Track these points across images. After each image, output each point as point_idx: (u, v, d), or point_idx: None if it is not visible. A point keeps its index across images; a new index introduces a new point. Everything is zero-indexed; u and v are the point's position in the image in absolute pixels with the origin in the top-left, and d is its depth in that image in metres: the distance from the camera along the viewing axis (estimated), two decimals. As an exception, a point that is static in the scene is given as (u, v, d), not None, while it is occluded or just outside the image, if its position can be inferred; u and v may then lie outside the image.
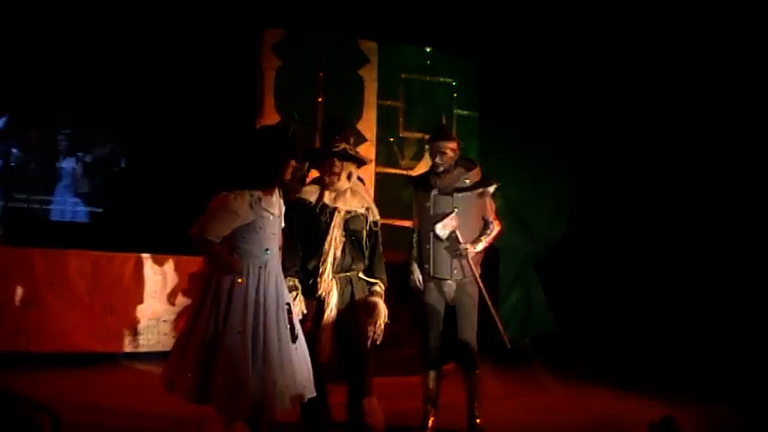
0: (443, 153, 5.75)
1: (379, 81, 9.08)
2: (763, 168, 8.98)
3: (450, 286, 5.78)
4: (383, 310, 5.37)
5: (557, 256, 10.46)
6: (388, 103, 9.11)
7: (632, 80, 9.92)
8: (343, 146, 5.31)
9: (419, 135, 9.15)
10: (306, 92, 8.76)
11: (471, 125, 9.31)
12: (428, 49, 9.42)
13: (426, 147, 8.84)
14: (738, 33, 8.72)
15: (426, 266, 5.82)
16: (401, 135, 9.13)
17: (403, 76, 9.23)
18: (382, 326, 5.36)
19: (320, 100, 8.76)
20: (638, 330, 10.15)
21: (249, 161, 4.65)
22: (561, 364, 9.32)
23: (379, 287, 5.41)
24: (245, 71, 8.79)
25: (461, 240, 5.68)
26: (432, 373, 5.79)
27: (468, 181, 5.77)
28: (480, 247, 5.77)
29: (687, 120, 9.70)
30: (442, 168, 5.78)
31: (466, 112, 9.32)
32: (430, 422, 5.75)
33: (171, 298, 8.15)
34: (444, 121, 6.17)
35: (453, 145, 5.80)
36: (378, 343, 5.40)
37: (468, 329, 5.76)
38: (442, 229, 5.69)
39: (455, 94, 9.40)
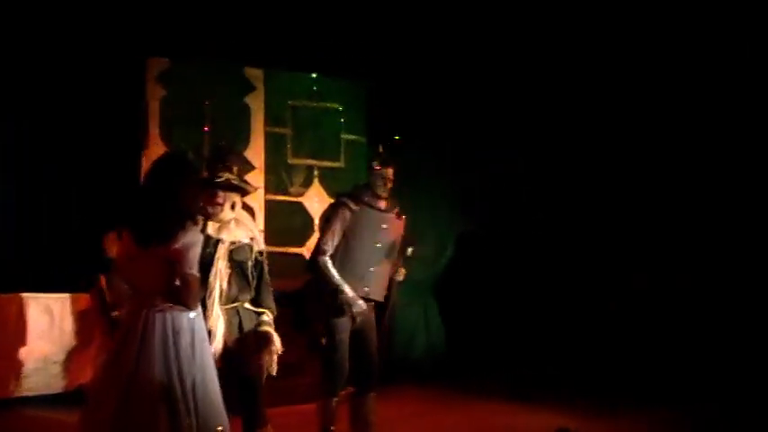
0: (391, 179, 5.92)
1: (267, 108, 9.06)
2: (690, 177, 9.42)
3: (365, 309, 5.77)
4: (275, 338, 5.34)
5: (451, 277, 10.67)
6: (276, 129, 9.09)
7: (516, 104, 10.22)
8: (226, 176, 5.24)
9: (308, 161, 9.19)
10: (192, 121, 8.67)
11: (359, 150, 9.35)
12: (314, 75, 9.46)
13: (315, 171, 9.00)
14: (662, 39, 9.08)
15: (366, 289, 5.79)
16: (290, 162, 9.12)
17: (290, 102, 9.24)
18: (276, 355, 5.33)
19: (206, 129, 8.67)
20: (540, 344, 10.43)
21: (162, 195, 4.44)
22: (463, 383, 9.46)
23: (267, 316, 5.37)
24: (129, 102, 8.64)
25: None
26: (335, 400, 5.79)
27: (397, 207, 6.03)
28: (403, 272, 6.05)
29: (583, 138, 10.08)
30: (385, 192, 5.91)
31: (354, 137, 9.38)
32: None
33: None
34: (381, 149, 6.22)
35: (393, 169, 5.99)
36: (273, 373, 5.36)
37: (372, 352, 5.83)
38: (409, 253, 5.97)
39: (343, 120, 9.45)
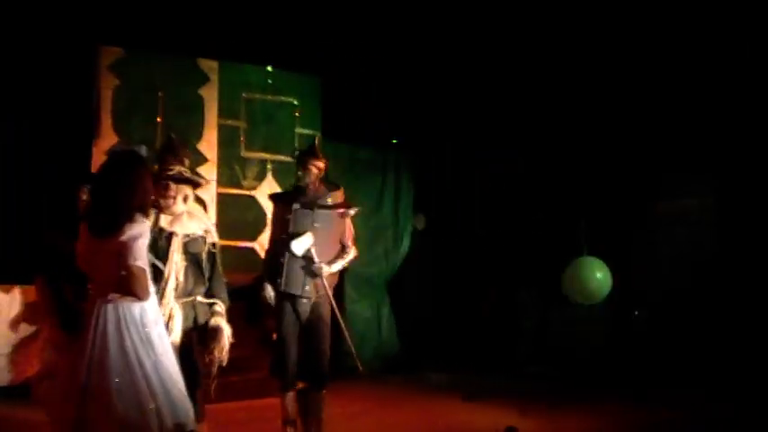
0: (309, 170, 5.83)
1: (220, 100, 9.01)
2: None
3: (304, 305, 5.77)
4: (226, 330, 5.31)
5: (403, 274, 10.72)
6: (230, 122, 9.04)
7: (470, 99, 10.27)
8: (177, 168, 5.22)
9: (261, 155, 9.15)
10: (145, 112, 8.59)
11: (314, 145, 9.32)
12: (269, 68, 9.41)
13: (268, 165, 8.98)
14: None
15: (279, 280, 5.78)
16: (243, 155, 9.07)
17: (244, 95, 9.19)
18: (226, 347, 5.30)
19: (159, 120, 8.60)
20: (488, 342, 10.53)
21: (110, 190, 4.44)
22: (414, 380, 9.51)
23: (220, 306, 5.34)
24: (80, 91, 8.51)
25: (316, 260, 5.71)
26: (290, 394, 5.78)
27: (330, 200, 5.89)
28: (336, 268, 5.86)
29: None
30: (304, 184, 5.87)
31: (308, 132, 9.31)
32: None
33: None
34: (318, 142, 6.21)
35: (320, 164, 5.89)
36: (224, 365, 5.33)
37: (320, 349, 5.79)
38: (298, 246, 5.70)
39: (297, 114, 9.43)
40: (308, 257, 5.72)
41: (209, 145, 8.81)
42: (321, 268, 5.72)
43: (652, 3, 8.47)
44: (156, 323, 4.36)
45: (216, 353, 5.26)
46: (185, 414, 4.32)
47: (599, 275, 9.71)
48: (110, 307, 4.22)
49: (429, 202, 10.96)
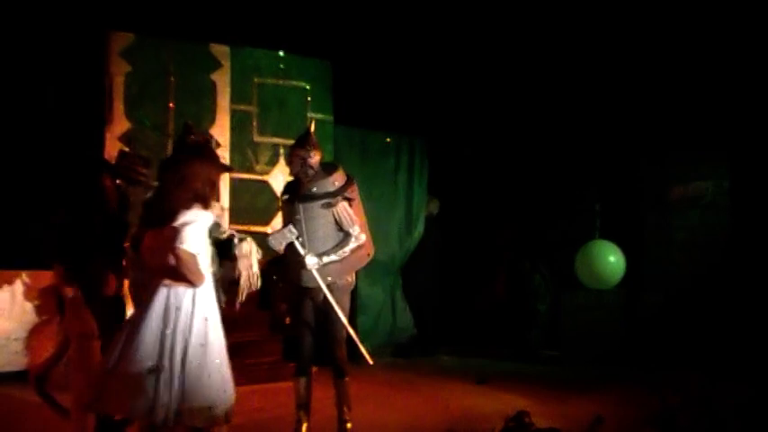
0: (293, 161, 5.78)
1: (232, 85, 9.01)
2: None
3: (314, 293, 5.71)
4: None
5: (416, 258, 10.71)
6: (242, 107, 9.05)
7: (482, 86, 10.24)
8: None
9: (274, 140, 9.15)
10: (157, 98, 8.61)
11: (326, 129, 9.33)
12: (281, 53, 9.40)
13: (281, 150, 8.98)
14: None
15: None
16: (255, 140, 9.08)
17: (256, 80, 9.18)
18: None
19: (171, 105, 8.62)
20: (501, 325, 10.53)
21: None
22: (428, 364, 9.53)
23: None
24: (92, 77, 8.53)
25: (301, 252, 5.58)
26: (303, 380, 5.77)
27: (316, 189, 5.69)
28: (329, 259, 5.62)
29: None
30: (292, 174, 5.84)
31: (320, 116, 9.31)
32: (303, 428, 5.73)
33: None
34: (313, 128, 6.07)
35: (304, 153, 5.72)
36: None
37: (333, 336, 5.74)
38: (274, 242, 5.64)
39: (309, 98, 9.42)
40: (295, 250, 5.59)
41: (221, 130, 8.82)
42: (305, 260, 5.55)
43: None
44: (206, 310, 4.48)
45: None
46: (212, 399, 4.40)
47: (612, 259, 9.67)
48: (161, 294, 4.40)
49: (443, 186, 10.91)
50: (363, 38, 9.54)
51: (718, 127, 9.28)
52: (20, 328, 7.84)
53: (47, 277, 7.26)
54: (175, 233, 4.35)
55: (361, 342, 5.95)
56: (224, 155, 8.61)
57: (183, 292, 4.40)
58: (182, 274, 4.36)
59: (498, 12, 9.20)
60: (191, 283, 4.40)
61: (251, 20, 9.01)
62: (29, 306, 7.87)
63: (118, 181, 5.48)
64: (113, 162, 5.80)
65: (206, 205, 4.55)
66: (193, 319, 4.39)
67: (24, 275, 7.90)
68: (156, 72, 8.64)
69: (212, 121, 8.81)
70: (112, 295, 5.31)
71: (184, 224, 4.38)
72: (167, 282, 4.40)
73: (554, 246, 10.42)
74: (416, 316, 10.55)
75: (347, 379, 5.80)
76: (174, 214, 4.39)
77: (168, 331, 4.33)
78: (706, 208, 9.60)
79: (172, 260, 4.37)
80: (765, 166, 9.01)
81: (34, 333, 7.75)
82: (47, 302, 7.52)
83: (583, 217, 10.27)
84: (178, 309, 4.37)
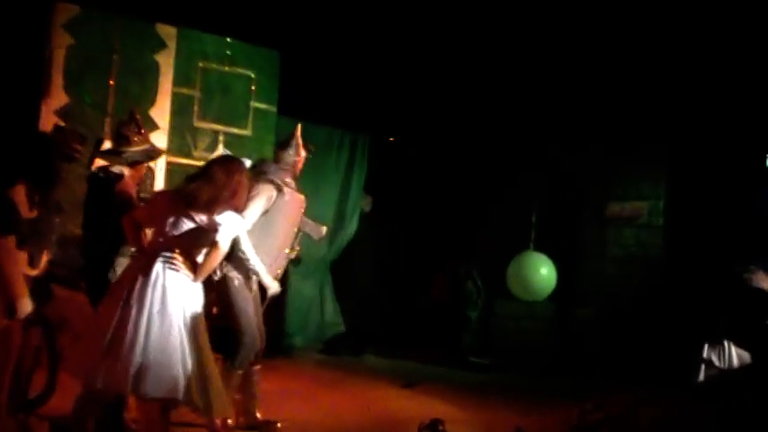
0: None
1: (176, 68, 8.81)
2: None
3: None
4: None
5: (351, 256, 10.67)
6: (185, 90, 8.85)
7: (430, 80, 10.22)
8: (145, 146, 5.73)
9: (214, 126, 9.00)
10: (98, 74, 8.37)
11: (269, 120, 9.24)
12: (228, 39, 9.24)
13: (220, 137, 8.86)
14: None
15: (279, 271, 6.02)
16: (195, 125, 8.90)
17: (201, 64, 8.99)
18: None
19: (112, 83, 8.40)
20: (432, 330, 10.54)
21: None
22: (350, 363, 9.50)
23: None
24: (31, 48, 8.29)
25: None
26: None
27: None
28: None
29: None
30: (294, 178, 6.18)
31: (264, 106, 9.21)
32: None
33: None
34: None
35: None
36: None
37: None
38: None
39: (254, 87, 9.27)
40: None
41: (161, 112, 8.63)
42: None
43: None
44: (189, 299, 4.71)
45: None
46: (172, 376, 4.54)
47: (543, 271, 9.75)
48: (168, 273, 4.64)
49: (382, 185, 10.89)
50: (315, 31, 9.45)
51: (657, 152, 9.42)
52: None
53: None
54: (217, 227, 4.72)
55: (291, 336, 6.00)
56: (162, 137, 8.47)
57: (182, 279, 4.68)
58: (204, 261, 4.73)
59: (447, 15, 9.17)
60: (195, 273, 4.72)
61: (201, 3, 8.86)
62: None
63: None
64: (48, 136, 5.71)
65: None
66: (165, 294, 4.60)
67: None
68: (100, 48, 8.41)
69: (153, 102, 8.61)
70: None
71: (233, 225, 4.81)
72: (179, 264, 4.67)
73: (490, 254, 10.46)
74: (349, 314, 10.50)
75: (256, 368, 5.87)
76: (216, 206, 4.74)
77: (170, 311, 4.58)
78: (641, 227, 9.71)
79: (201, 240, 4.75)
80: (698, 190, 9.14)
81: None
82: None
83: (520, 227, 10.32)
84: (177, 290, 4.63)
